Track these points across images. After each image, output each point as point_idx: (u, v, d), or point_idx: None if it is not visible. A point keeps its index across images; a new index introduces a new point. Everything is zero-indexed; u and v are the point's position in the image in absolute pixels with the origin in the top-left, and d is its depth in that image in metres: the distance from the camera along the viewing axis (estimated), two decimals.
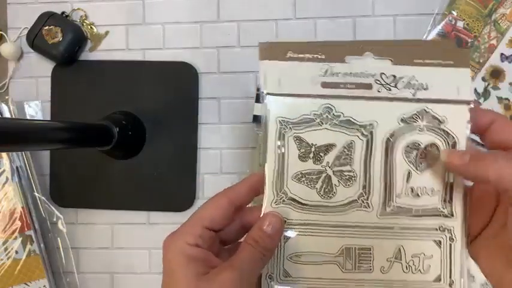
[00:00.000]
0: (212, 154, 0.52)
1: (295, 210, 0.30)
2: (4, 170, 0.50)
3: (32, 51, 0.52)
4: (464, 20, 0.50)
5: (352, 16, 0.51)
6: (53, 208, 0.53)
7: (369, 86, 0.30)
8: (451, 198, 0.30)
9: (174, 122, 0.52)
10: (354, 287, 0.30)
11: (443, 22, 0.50)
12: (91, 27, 0.53)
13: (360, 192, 0.30)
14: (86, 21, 0.53)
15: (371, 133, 0.30)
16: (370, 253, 0.30)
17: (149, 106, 0.52)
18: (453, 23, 0.50)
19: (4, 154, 0.50)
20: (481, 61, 0.50)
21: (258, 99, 0.51)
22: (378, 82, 0.30)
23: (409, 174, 0.30)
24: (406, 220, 0.30)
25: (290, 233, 0.30)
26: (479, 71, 0.49)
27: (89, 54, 0.54)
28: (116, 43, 0.53)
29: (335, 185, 0.30)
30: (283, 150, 0.30)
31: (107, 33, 0.53)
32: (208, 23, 0.52)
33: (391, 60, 0.30)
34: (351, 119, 0.30)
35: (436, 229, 0.30)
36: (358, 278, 0.30)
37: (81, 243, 0.53)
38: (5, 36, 0.54)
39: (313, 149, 0.30)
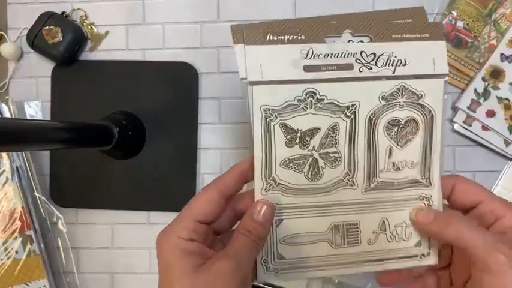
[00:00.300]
0: (212, 154, 0.52)
1: (284, 195, 0.31)
2: (4, 170, 0.50)
3: (32, 51, 0.52)
4: (464, 20, 0.50)
5: None
6: (53, 208, 0.53)
7: (350, 66, 0.30)
8: (429, 169, 0.32)
9: (174, 122, 0.52)
10: (344, 260, 0.32)
11: (443, 22, 0.50)
12: (91, 27, 0.53)
13: (346, 172, 0.31)
14: (86, 21, 0.53)
15: (354, 113, 0.31)
16: (357, 227, 0.31)
17: (149, 106, 0.52)
18: (453, 23, 0.50)
19: (4, 154, 0.50)
20: (481, 61, 0.50)
21: None
22: (359, 61, 0.30)
23: (391, 150, 0.31)
24: (389, 193, 0.32)
25: (281, 217, 0.31)
26: (479, 71, 0.49)
27: (89, 54, 0.54)
28: (116, 43, 0.53)
29: (321, 167, 0.31)
30: (269, 138, 0.30)
31: (107, 33, 0.53)
32: (208, 23, 0.52)
33: (370, 38, 0.31)
34: (334, 101, 0.30)
35: (417, 198, 0.32)
36: (347, 251, 0.31)
37: (81, 243, 0.53)
38: (5, 36, 0.54)
39: (299, 135, 0.30)
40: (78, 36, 0.52)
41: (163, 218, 0.52)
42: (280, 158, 0.30)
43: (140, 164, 0.52)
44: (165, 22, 0.53)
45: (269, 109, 0.30)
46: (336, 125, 0.31)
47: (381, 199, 0.32)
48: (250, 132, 0.30)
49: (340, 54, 0.30)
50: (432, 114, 0.31)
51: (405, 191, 0.32)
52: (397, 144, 0.31)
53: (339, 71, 0.30)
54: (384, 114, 0.31)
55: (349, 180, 0.31)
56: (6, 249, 0.50)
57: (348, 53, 0.30)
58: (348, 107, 0.30)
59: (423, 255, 0.32)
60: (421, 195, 0.32)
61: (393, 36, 0.31)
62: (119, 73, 0.53)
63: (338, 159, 0.31)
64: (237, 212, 0.31)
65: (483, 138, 0.50)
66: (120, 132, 0.47)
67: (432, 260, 0.32)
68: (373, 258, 0.32)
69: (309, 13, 0.51)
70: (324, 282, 0.49)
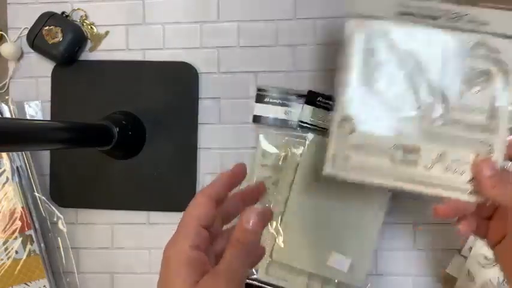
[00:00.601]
0: (212, 154, 0.52)
1: (362, 107, 0.37)
2: (4, 170, 0.50)
3: (32, 51, 0.53)
4: None
5: None
6: (53, 208, 0.53)
7: (436, 18, 0.36)
8: (496, 118, 0.35)
9: (174, 122, 0.52)
10: (401, 176, 0.36)
11: None
12: (91, 27, 0.53)
13: (419, 105, 0.36)
14: (86, 21, 0.53)
15: (434, 55, 0.36)
16: (418, 152, 0.36)
17: (149, 106, 0.52)
18: None
19: (4, 154, 0.50)
20: None
21: (258, 99, 0.51)
22: (445, 16, 0.36)
23: (463, 93, 0.36)
24: (455, 131, 0.36)
25: (355, 127, 0.37)
26: None
27: (89, 54, 0.54)
28: (116, 43, 0.53)
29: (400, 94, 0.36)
30: (364, 59, 0.37)
31: (107, 33, 0.53)
32: (208, 23, 0.52)
33: (458, 2, 0.36)
34: (420, 41, 0.36)
35: (479, 142, 0.35)
36: (405, 170, 0.36)
37: (81, 243, 0.53)
38: (5, 36, 0.54)
39: (388, 62, 0.37)
40: (78, 36, 0.52)
41: (163, 218, 0.53)
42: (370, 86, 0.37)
43: (140, 164, 0.52)
44: (165, 22, 0.53)
45: (366, 36, 0.37)
46: (419, 63, 0.36)
47: (447, 134, 0.36)
48: (346, 58, 0.37)
49: (429, 8, 0.36)
50: (507, 69, 0.35)
51: (470, 132, 0.35)
52: (470, 90, 0.36)
53: (426, 19, 0.36)
54: (462, 61, 0.36)
55: (421, 112, 0.36)
56: (6, 249, 0.50)
57: (437, 9, 0.36)
58: (429, 48, 0.36)
59: (472, 191, 0.35)
60: (484, 140, 0.35)
61: (480, 4, 0.35)
62: (119, 73, 0.53)
63: (416, 90, 0.36)
64: (229, 215, 0.34)
65: None
66: (120, 132, 0.48)
67: (480, 198, 0.35)
68: (427, 182, 0.36)
69: (309, 14, 0.51)
70: (323, 283, 0.49)
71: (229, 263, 0.28)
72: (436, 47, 0.36)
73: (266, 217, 0.30)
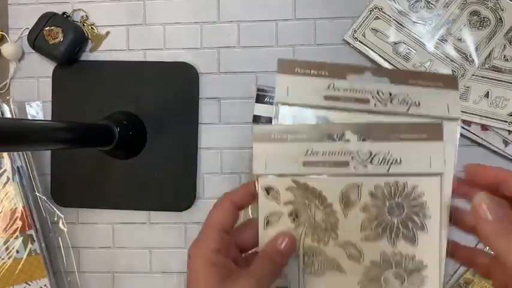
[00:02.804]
0: (212, 154, 0.52)
1: None
2: (5, 170, 0.50)
3: (33, 51, 0.53)
4: None
5: (352, 17, 0.51)
6: (54, 208, 0.53)
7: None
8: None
9: (174, 122, 0.52)
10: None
11: None
12: (92, 28, 0.53)
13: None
14: (86, 21, 0.53)
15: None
16: (469, 89, 0.48)
17: (150, 106, 0.52)
18: None
19: (5, 154, 0.51)
20: None
21: (258, 99, 0.51)
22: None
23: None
24: (499, 75, 0.48)
25: None
26: None
27: (89, 55, 0.54)
28: (117, 43, 0.54)
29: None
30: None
31: (107, 33, 0.54)
32: (209, 23, 0.53)
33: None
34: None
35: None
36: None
37: (82, 243, 0.53)
38: (6, 36, 0.54)
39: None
40: (78, 36, 0.52)
41: (163, 218, 0.53)
42: None
43: (141, 163, 0.52)
44: (166, 22, 0.53)
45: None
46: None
47: (491, 77, 0.48)
48: None
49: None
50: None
51: None
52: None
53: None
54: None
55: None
56: (7, 248, 0.50)
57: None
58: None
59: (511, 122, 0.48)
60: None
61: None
62: (119, 73, 0.53)
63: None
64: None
65: (482, 139, 0.50)
66: (121, 132, 0.48)
67: None
68: (475, 113, 0.48)
69: (309, 14, 0.51)
70: None
71: (259, 270, 0.29)
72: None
73: (295, 244, 0.31)
